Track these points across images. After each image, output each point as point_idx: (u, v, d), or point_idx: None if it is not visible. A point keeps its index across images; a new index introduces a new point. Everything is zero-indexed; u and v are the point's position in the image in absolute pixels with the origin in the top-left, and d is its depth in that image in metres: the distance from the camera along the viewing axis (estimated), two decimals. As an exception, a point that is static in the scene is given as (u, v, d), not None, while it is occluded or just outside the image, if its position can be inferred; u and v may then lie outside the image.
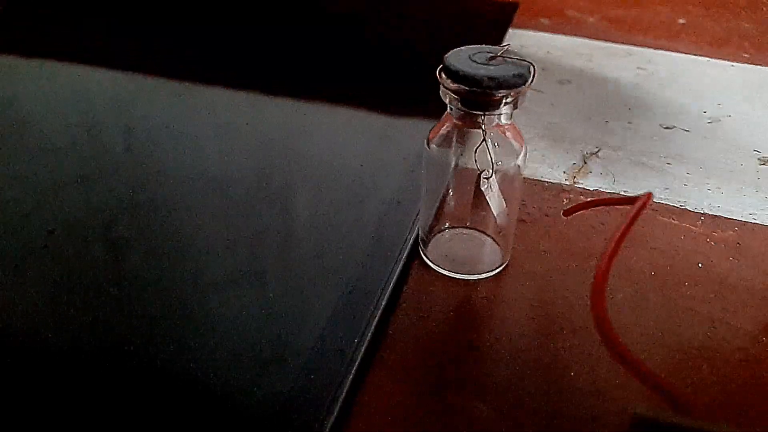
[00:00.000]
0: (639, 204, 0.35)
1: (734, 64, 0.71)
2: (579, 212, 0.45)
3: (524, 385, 0.36)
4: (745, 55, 0.73)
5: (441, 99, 0.38)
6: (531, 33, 0.78)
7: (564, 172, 0.53)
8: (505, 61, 0.36)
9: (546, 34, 0.77)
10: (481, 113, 0.37)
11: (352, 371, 0.36)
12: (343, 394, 0.34)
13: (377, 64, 0.72)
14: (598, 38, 0.76)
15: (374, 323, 0.38)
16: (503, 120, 0.38)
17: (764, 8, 0.85)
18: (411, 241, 0.44)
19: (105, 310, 0.40)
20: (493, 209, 0.40)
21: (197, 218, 0.48)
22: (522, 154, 0.40)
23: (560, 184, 0.52)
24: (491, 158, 0.38)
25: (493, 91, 0.35)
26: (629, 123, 0.60)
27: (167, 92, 0.66)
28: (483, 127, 0.37)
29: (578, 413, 0.34)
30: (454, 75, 0.36)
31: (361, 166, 0.54)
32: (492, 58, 0.36)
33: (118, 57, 0.72)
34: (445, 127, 0.40)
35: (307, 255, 0.45)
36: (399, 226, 0.46)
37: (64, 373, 0.36)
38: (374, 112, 0.64)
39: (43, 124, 0.59)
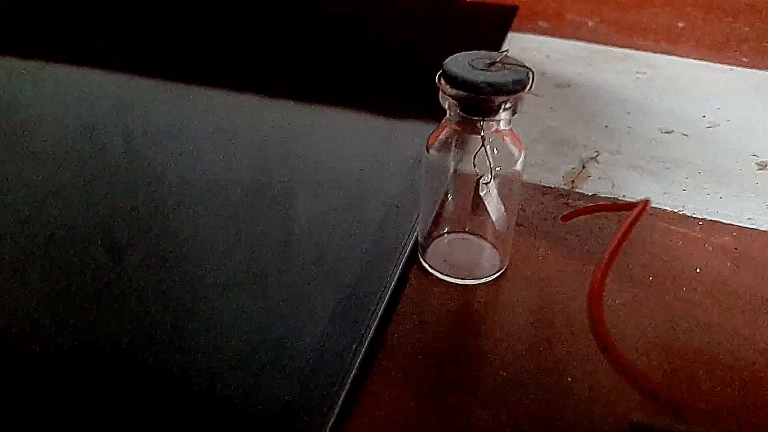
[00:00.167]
0: (636, 210, 0.35)
1: (733, 68, 0.71)
2: (577, 217, 0.45)
3: (522, 389, 0.36)
4: (744, 59, 0.73)
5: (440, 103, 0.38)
6: (530, 36, 0.78)
7: (563, 177, 0.53)
8: (504, 66, 0.36)
9: (545, 38, 0.77)
10: (480, 119, 0.37)
11: (351, 375, 0.36)
12: (342, 398, 0.35)
13: (377, 65, 0.72)
14: (597, 42, 0.76)
15: (373, 328, 0.38)
16: (502, 125, 0.38)
17: (763, 12, 0.85)
18: (410, 245, 0.44)
19: (105, 313, 0.40)
20: (491, 214, 0.40)
21: (197, 221, 0.48)
22: (521, 159, 0.40)
23: (559, 188, 0.52)
24: (490, 163, 0.38)
25: (492, 97, 0.35)
26: (628, 127, 0.60)
27: (167, 94, 0.66)
28: (482, 132, 0.38)
29: (576, 418, 0.34)
30: (453, 81, 0.36)
31: (361, 169, 0.54)
32: (491, 63, 0.36)
33: (118, 58, 0.72)
34: (444, 132, 0.40)
35: (306, 259, 0.45)
36: (398, 231, 0.46)
37: (63, 376, 0.36)
38: (374, 115, 0.64)
39: (43, 127, 0.59)
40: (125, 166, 0.54)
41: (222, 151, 0.56)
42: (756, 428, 0.34)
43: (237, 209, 0.49)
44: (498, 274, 0.43)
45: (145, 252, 0.45)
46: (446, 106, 0.38)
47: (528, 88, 0.36)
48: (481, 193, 0.39)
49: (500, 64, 0.36)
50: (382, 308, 0.40)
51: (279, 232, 0.47)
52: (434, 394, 0.36)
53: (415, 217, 0.46)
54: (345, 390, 0.35)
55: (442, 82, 0.37)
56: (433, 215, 0.44)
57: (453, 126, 0.39)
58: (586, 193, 0.51)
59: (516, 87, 0.36)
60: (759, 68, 0.71)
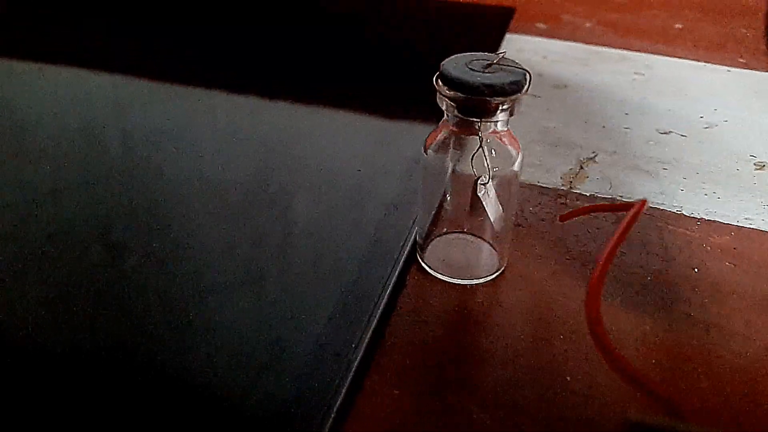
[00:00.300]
0: (634, 210, 0.35)
1: (730, 69, 0.71)
2: (575, 218, 0.45)
3: (521, 389, 0.36)
4: (741, 60, 0.73)
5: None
6: (528, 38, 0.78)
7: (560, 177, 0.53)
8: (501, 68, 0.37)
9: (542, 39, 0.78)
10: (478, 120, 0.37)
11: (350, 375, 0.36)
12: (341, 398, 0.35)
13: (375, 66, 0.72)
14: (594, 43, 0.77)
15: (372, 328, 0.39)
16: (499, 127, 0.38)
17: (760, 14, 0.85)
18: (408, 246, 0.44)
19: (103, 314, 0.40)
20: (489, 215, 0.40)
21: (196, 222, 0.48)
22: (518, 160, 0.40)
23: (557, 189, 0.52)
24: (488, 164, 0.38)
25: (489, 99, 0.36)
26: (626, 128, 0.60)
27: (166, 96, 0.66)
28: (480, 133, 0.38)
29: (574, 417, 0.35)
30: (450, 82, 0.36)
31: (359, 170, 0.54)
32: (488, 65, 0.37)
33: (117, 59, 0.72)
34: (442, 133, 0.40)
35: (305, 259, 0.45)
36: (397, 231, 0.46)
37: (63, 377, 0.36)
38: (372, 115, 0.64)
39: (42, 128, 0.60)
40: (124, 167, 0.54)
41: (221, 151, 0.56)
42: (754, 428, 0.34)
43: (236, 210, 0.49)
44: (496, 274, 0.43)
45: (144, 252, 0.45)
46: (444, 108, 0.38)
47: (525, 89, 0.36)
48: (479, 194, 0.39)
49: (497, 66, 0.37)
50: (380, 308, 0.40)
51: (278, 232, 0.47)
52: (433, 394, 0.36)
53: (414, 217, 0.47)
54: (344, 390, 0.35)
55: (440, 83, 0.37)
56: (432, 215, 0.44)
57: (451, 127, 0.39)
58: (583, 193, 0.52)
59: (513, 88, 0.36)
60: (756, 69, 0.71)
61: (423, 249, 0.44)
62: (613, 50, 0.75)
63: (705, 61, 0.73)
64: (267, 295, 0.42)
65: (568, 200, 0.51)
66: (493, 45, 0.75)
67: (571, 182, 0.53)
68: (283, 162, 0.55)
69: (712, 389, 0.36)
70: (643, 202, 0.36)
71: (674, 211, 0.50)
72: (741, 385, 0.36)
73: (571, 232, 0.47)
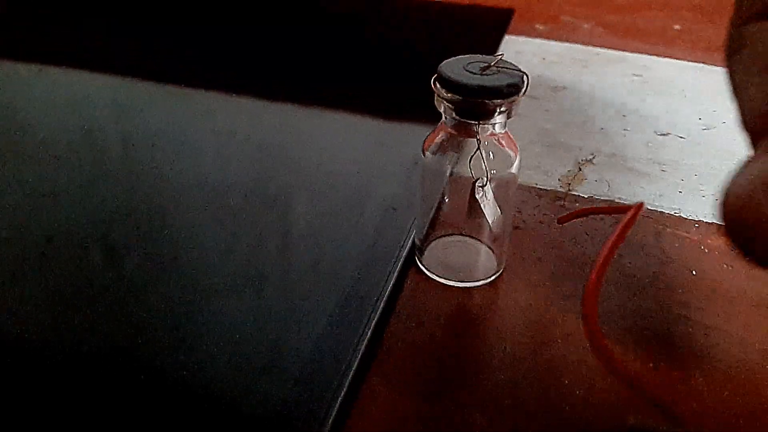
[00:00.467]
0: (631, 213, 0.35)
1: (729, 70, 0.71)
2: (573, 220, 0.45)
3: (519, 392, 0.36)
4: (740, 62, 0.73)
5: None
6: (526, 39, 0.78)
7: (559, 179, 0.53)
8: (499, 70, 0.37)
9: (541, 41, 0.78)
10: (476, 122, 0.37)
11: (349, 378, 0.36)
12: (340, 400, 0.35)
13: (374, 67, 0.72)
14: (593, 44, 0.77)
15: (370, 330, 0.39)
16: (497, 129, 0.38)
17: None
18: (407, 248, 0.45)
19: (103, 316, 0.40)
20: (488, 217, 0.40)
21: (195, 223, 0.48)
22: (516, 162, 0.40)
23: (555, 191, 0.52)
24: (486, 167, 0.38)
25: (487, 101, 0.36)
26: (624, 130, 0.60)
27: (165, 97, 0.66)
28: (477, 136, 0.38)
29: (573, 420, 0.35)
30: (448, 84, 0.36)
31: (358, 172, 0.54)
32: (486, 67, 0.37)
33: (116, 60, 0.72)
34: (439, 135, 0.40)
35: (304, 261, 0.45)
36: (395, 233, 0.46)
37: (62, 378, 0.36)
38: (371, 117, 0.64)
39: (41, 130, 0.60)
40: (123, 169, 0.54)
41: (220, 153, 0.56)
42: (753, 431, 0.34)
43: (235, 212, 0.49)
44: (494, 277, 0.43)
45: (143, 255, 0.45)
46: (441, 110, 0.38)
47: (523, 91, 0.36)
48: (477, 196, 0.39)
49: (495, 68, 0.37)
50: (379, 310, 0.40)
51: (277, 234, 0.47)
52: (432, 396, 0.36)
53: (412, 219, 0.47)
54: (343, 392, 0.35)
55: (437, 86, 0.37)
56: (430, 218, 0.44)
57: (448, 129, 0.39)
58: (582, 195, 0.52)
59: (511, 90, 0.36)
60: (754, 70, 0.71)
61: (421, 251, 0.44)
62: (611, 52, 0.75)
63: (704, 63, 0.73)
64: (266, 297, 0.42)
65: (566, 202, 0.51)
66: (492, 46, 0.75)
67: (569, 184, 0.53)
68: (281, 164, 0.55)
69: (711, 392, 0.36)
70: (641, 204, 0.36)
71: (672, 213, 0.50)
72: (740, 389, 0.36)
73: (569, 234, 0.47)
